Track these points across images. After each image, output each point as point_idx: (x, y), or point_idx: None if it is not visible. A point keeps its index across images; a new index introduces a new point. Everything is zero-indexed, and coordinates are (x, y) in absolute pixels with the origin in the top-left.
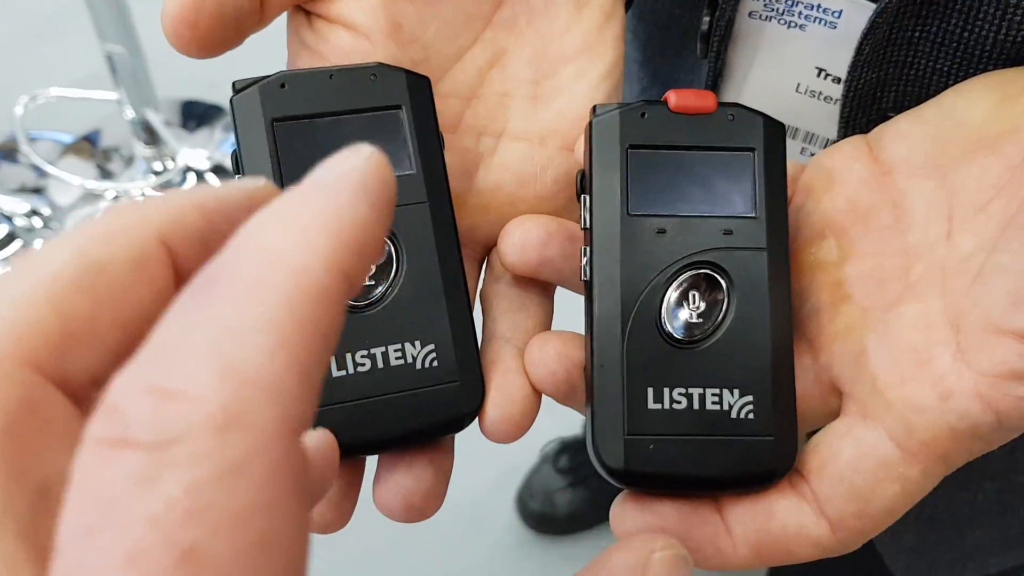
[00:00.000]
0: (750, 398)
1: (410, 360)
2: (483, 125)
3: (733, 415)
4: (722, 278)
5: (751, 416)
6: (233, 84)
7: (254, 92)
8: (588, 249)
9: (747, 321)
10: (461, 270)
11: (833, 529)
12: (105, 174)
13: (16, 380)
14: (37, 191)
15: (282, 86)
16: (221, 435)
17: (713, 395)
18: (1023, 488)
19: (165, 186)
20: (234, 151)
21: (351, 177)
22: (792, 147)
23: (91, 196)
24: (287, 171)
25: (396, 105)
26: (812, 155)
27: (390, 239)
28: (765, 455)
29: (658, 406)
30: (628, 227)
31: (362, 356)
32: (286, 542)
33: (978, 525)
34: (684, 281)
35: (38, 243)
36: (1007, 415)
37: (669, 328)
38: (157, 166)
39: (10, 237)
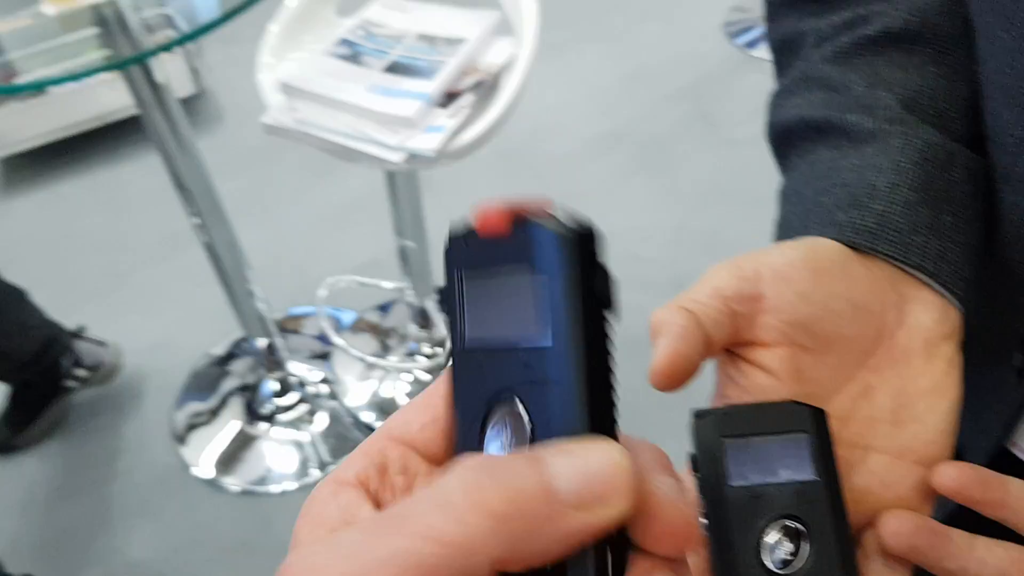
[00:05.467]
0: None
1: None
2: (855, 440)
3: None
4: None
5: None
6: (695, 412)
7: (713, 419)
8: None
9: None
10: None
11: None
12: (384, 350)
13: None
14: (323, 356)
15: (727, 415)
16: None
17: None
18: None
19: (433, 368)
20: (695, 461)
21: None
22: None
23: (369, 369)
24: (732, 474)
25: (803, 430)
26: None
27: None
28: None
29: None
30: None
31: None
32: None
33: None
34: None
35: (321, 415)
36: None
37: None
38: (426, 349)
39: (300, 401)
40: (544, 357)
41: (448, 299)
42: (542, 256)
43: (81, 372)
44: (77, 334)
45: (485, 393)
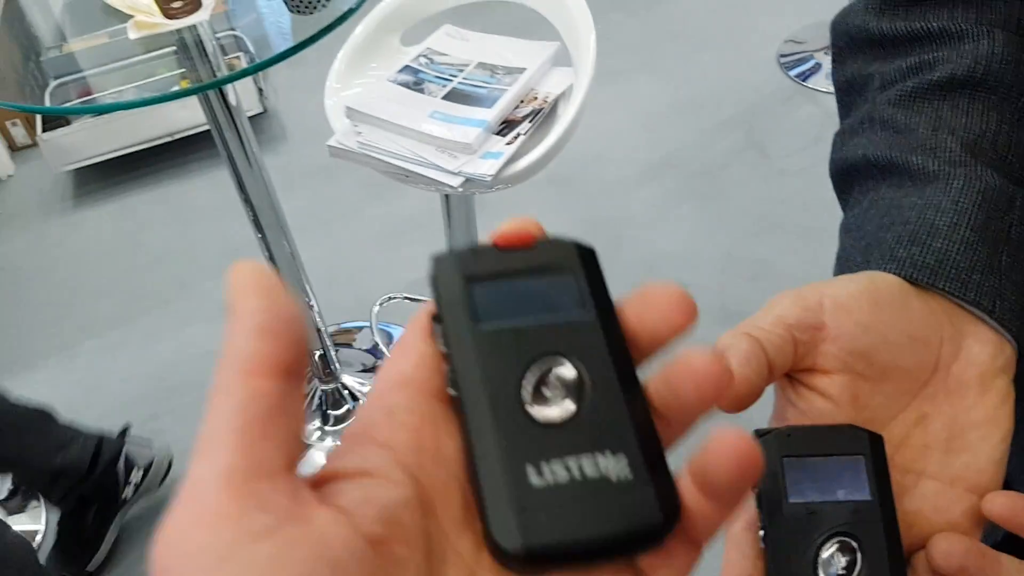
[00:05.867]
0: (624, 458)
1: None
2: (908, 466)
3: (613, 478)
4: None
5: (630, 475)
6: (756, 431)
7: (774, 439)
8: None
9: (603, 390)
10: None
11: None
12: None
13: None
14: (373, 370)
15: (788, 436)
16: None
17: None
18: None
19: None
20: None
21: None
22: None
23: None
24: (791, 491)
25: (861, 452)
26: None
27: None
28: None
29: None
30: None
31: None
32: None
33: None
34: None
35: None
36: None
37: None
38: None
39: (351, 411)
40: (586, 325)
41: (449, 299)
42: (569, 258)
43: (136, 475)
44: (123, 434)
45: (520, 360)
